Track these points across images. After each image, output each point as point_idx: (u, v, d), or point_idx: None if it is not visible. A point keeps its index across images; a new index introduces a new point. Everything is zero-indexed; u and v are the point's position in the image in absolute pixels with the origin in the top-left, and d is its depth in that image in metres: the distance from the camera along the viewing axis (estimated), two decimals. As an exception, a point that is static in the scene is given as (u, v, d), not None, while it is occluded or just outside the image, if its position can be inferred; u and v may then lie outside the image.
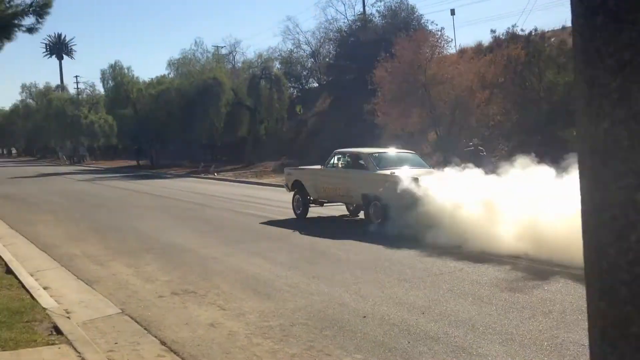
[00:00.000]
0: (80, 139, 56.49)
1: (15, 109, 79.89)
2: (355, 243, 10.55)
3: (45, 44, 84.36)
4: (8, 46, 10.53)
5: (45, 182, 31.14)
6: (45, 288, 7.39)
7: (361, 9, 44.04)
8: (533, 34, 23.38)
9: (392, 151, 13.98)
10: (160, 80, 45.96)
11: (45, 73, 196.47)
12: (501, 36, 24.31)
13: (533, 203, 9.21)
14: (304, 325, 5.96)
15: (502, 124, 23.35)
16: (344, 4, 75.69)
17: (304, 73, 49.06)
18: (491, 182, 10.41)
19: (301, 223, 13.30)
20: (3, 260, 8.75)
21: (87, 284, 7.93)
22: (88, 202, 19.67)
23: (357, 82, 33.27)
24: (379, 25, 38.20)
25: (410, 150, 14.83)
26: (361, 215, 13.26)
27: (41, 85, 73.48)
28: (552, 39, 23.93)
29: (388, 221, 11.25)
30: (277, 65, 45.28)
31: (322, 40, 46.52)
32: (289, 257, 9.40)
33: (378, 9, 40.54)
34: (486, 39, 29.69)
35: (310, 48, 48.17)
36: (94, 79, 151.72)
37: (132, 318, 6.35)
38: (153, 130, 42.14)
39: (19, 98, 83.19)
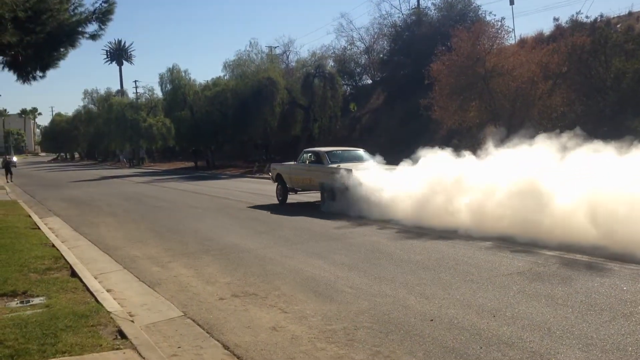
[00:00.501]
0: (139, 142, 58.00)
1: (77, 115, 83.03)
2: (415, 242, 10.28)
3: (106, 50, 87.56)
4: (72, 54, 10.77)
5: (106, 184, 32.08)
6: (108, 291, 7.46)
7: (416, 3, 43.36)
8: (598, 20, 22.33)
9: (344, 149, 17.88)
10: (216, 82, 46.64)
11: (106, 79, 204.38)
12: (564, 24, 23.35)
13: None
14: (368, 329, 5.74)
15: (565, 115, 22.37)
16: (399, -2, 75.23)
17: (358, 70, 48.76)
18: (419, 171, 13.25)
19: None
20: (68, 263, 8.90)
21: (149, 286, 7.97)
22: (147, 203, 20.05)
23: (412, 78, 32.76)
24: (435, 19, 37.45)
25: (359, 147, 18.34)
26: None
27: (102, 91, 76.04)
28: (619, 25, 22.83)
29: (336, 201, 14.62)
30: (330, 63, 45.21)
31: (376, 36, 46.12)
32: (348, 258, 9.20)
33: (434, 1, 39.84)
34: (547, 28, 28.76)
35: (364, 44, 47.86)
36: (153, 83, 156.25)
37: (194, 321, 6.29)
38: (209, 131, 42.77)
39: (82, 104, 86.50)
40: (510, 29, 27.18)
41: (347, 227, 12.46)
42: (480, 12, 35.59)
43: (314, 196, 17.28)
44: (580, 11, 37.53)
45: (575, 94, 22.13)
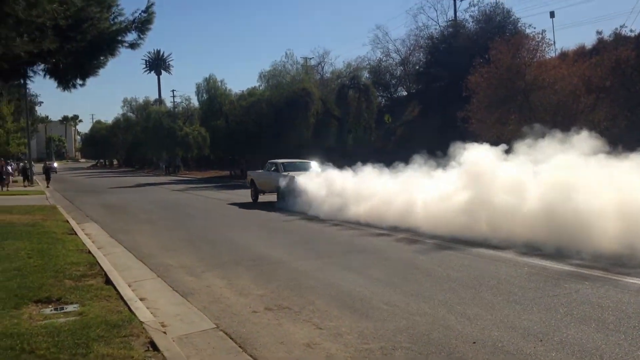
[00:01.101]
0: (175, 150, 58.75)
1: (117, 122, 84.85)
2: (453, 257, 9.97)
3: (145, 60, 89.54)
4: (112, 63, 10.89)
5: (143, 192, 32.45)
6: (142, 299, 7.37)
7: (453, 15, 42.96)
8: (644, 33, 21.68)
9: (299, 161, 22.71)
10: (251, 92, 46.93)
11: (145, 88, 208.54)
12: (607, 37, 22.74)
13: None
14: (407, 349, 5.49)
15: (609, 130, 21.72)
16: (436, 10, 74.97)
17: (393, 82, 48.46)
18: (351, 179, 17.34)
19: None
20: (103, 270, 8.87)
21: (182, 295, 7.86)
22: (182, 211, 20.14)
23: (449, 90, 32.39)
24: (472, 31, 37.00)
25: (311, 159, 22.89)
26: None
27: (141, 100, 77.63)
28: (665, 39, 22.09)
29: (287, 201, 18.66)
30: (365, 74, 45.04)
31: (412, 48, 45.80)
32: (383, 273, 8.95)
33: (471, 13, 39.39)
34: (589, 41, 28.05)
35: (400, 56, 47.57)
36: (190, 92, 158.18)
37: (226, 334, 6.14)
38: (244, 140, 42.99)
39: (121, 112, 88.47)
40: (551, 42, 26.62)
41: (383, 237, 12.22)
42: (519, 25, 35.09)
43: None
44: (624, 24, 36.48)
45: (619, 108, 21.46)
